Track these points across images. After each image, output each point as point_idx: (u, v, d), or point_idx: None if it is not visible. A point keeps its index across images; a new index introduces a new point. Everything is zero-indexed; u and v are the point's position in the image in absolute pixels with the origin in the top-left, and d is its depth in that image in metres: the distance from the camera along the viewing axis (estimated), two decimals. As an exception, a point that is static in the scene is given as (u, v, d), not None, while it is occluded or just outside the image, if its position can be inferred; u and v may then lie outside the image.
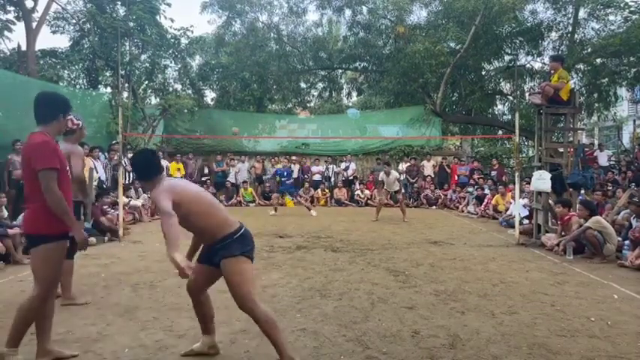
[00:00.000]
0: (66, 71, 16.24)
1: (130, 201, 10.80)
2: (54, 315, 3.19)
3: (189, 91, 19.72)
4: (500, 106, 21.26)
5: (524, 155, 17.66)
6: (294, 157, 16.82)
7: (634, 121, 20.16)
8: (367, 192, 15.66)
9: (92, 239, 7.72)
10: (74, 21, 16.01)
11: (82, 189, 4.60)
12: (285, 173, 13.78)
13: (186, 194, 2.95)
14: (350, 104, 25.41)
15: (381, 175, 11.63)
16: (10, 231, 6.37)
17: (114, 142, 10.89)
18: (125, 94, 15.78)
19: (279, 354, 2.96)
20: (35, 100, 3.09)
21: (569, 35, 16.95)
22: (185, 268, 2.68)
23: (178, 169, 14.91)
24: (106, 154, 11.54)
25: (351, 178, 16.42)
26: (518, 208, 8.50)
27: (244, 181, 15.84)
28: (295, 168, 16.14)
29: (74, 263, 4.57)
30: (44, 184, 2.90)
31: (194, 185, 3.24)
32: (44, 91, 3.19)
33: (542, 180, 7.66)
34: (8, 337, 2.95)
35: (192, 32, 17.68)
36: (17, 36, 31.58)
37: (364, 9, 18.90)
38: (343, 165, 16.61)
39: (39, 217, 2.95)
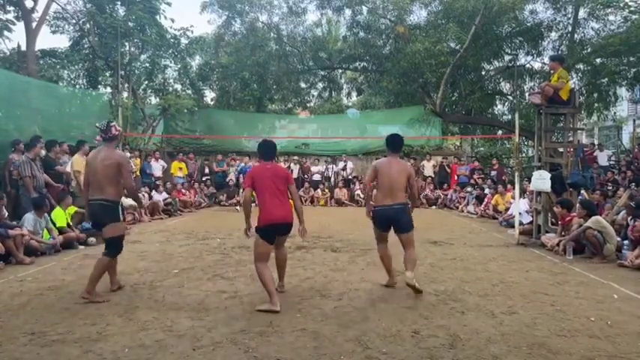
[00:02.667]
0: (66, 71, 16.26)
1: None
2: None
3: (189, 91, 19.73)
4: (500, 106, 21.25)
5: (524, 155, 17.66)
6: (294, 157, 16.82)
7: (634, 121, 20.14)
8: (367, 192, 15.62)
9: (92, 239, 7.72)
10: (74, 21, 16.02)
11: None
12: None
13: (380, 170, 4.93)
14: (350, 104, 25.41)
15: None
16: (11, 232, 6.15)
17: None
18: (125, 94, 15.79)
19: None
20: (268, 145, 4.71)
21: (569, 35, 16.93)
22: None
23: (180, 169, 14.94)
24: None
25: (351, 177, 16.41)
26: (519, 208, 8.47)
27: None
28: (295, 168, 16.14)
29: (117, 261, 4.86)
30: (295, 194, 4.70)
31: (388, 169, 4.90)
32: (272, 140, 4.84)
33: (542, 180, 7.65)
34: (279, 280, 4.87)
35: (192, 32, 17.73)
36: (17, 36, 31.69)
37: (364, 9, 18.85)
38: (341, 164, 16.60)
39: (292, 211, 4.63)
